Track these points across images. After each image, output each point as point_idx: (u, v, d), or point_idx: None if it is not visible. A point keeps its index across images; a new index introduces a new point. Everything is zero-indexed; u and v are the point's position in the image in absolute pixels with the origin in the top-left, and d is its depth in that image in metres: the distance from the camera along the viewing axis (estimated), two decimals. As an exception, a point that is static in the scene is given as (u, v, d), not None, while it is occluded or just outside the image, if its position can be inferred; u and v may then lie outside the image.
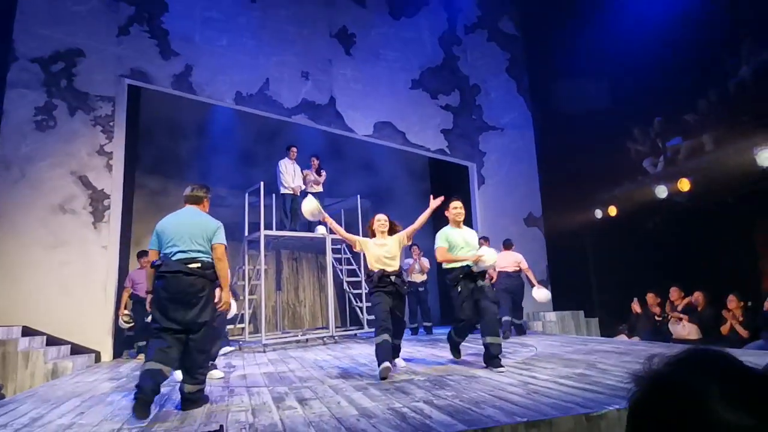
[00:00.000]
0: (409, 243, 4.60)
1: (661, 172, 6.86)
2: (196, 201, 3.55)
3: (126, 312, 6.44)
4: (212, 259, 3.35)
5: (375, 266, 4.34)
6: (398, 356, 4.54)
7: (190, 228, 3.34)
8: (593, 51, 7.77)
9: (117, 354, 6.56)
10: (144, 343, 6.67)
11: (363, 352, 5.92)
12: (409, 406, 2.94)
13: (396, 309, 4.27)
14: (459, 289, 4.26)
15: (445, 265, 4.44)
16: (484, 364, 4.19)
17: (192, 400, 3.21)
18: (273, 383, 4.06)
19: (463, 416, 2.60)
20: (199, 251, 3.30)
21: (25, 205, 6.23)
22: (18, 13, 6.60)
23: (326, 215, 4.69)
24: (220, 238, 3.41)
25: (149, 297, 3.69)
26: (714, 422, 0.52)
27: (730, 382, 0.55)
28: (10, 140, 6.33)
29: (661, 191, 6.51)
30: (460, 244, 4.35)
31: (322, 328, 7.38)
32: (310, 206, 4.61)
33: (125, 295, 6.49)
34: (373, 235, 4.52)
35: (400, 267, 4.47)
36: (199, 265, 3.27)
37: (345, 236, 4.69)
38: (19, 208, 6.21)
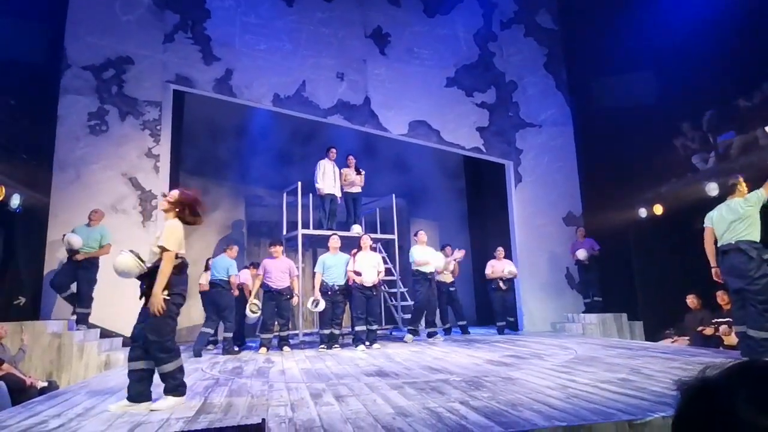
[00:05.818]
0: None
1: (712, 168, 6.51)
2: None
3: (255, 301, 6.32)
4: None
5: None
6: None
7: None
8: (637, 41, 7.42)
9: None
10: (268, 336, 6.28)
11: (398, 351, 5.95)
12: (445, 406, 2.94)
13: None
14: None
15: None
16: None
17: None
18: (310, 379, 4.14)
19: (499, 418, 2.58)
20: None
21: (80, 205, 6.60)
22: (68, 23, 6.99)
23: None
24: None
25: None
26: (738, 423, 0.56)
27: (759, 386, 0.58)
28: (65, 143, 6.74)
29: (712, 189, 6.15)
30: None
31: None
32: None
33: (257, 283, 6.37)
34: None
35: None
36: None
37: None
38: (74, 207, 6.58)
